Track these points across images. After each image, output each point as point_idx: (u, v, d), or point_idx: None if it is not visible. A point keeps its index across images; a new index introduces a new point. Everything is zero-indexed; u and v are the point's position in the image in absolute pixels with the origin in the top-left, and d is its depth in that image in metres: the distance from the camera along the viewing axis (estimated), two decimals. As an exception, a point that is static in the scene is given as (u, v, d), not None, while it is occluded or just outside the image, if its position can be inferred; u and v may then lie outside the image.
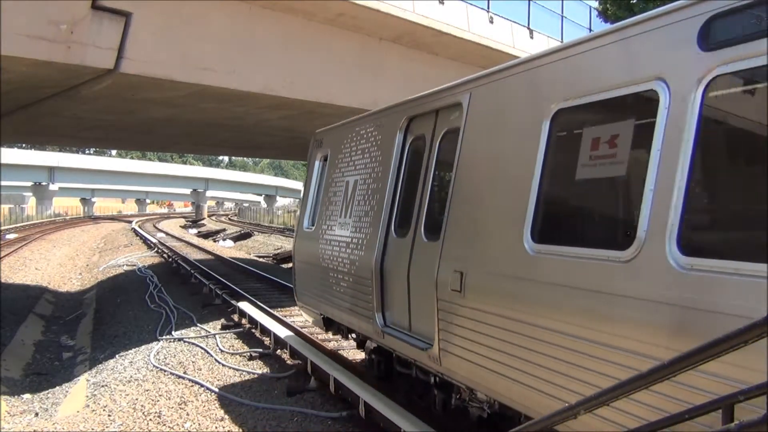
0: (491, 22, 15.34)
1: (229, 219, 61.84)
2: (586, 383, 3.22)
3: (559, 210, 4.01)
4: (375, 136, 6.45)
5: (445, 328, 4.61)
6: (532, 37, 16.84)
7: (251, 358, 8.82)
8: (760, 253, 2.49)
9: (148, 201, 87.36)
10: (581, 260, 3.42)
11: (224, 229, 43.09)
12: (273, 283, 15.51)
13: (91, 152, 77.72)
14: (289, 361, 8.37)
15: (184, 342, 9.95)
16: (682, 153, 2.89)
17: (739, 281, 2.56)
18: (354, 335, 7.23)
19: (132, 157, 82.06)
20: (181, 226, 49.84)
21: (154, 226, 44.75)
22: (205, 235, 39.35)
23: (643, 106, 3.22)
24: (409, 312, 5.38)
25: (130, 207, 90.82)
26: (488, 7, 15.32)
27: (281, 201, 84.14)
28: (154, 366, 8.58)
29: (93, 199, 76.59)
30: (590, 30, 19.05)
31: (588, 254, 3.39)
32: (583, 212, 3.90)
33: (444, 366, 4.69)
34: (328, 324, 7.49)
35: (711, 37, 2.87)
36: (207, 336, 10.27)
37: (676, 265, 2.83)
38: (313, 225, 7.89)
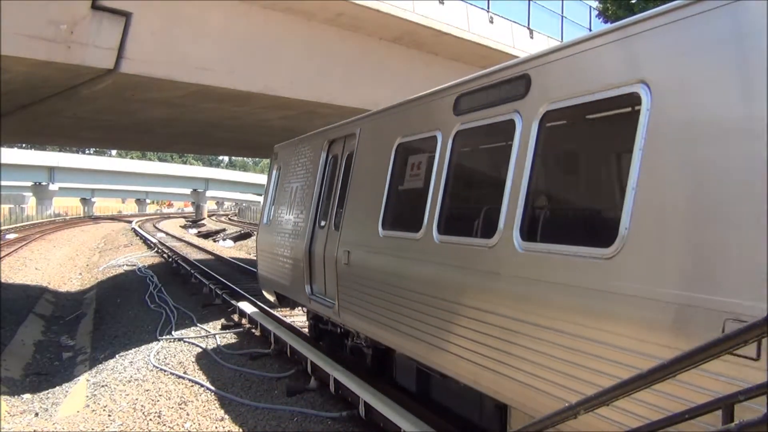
0: (491, 22, 15.33)
1: (229, 219, 61.87)
2: (411, 319, 5.14)
3: (396, 209, 5.95)
4: (309, 152, 8.58)
5: (341, 291, 6.63)
6: (532, 37, 16.84)
7: (251, 358, 8.83)
8: (572, 237, 3.65)
9: (148, 201, 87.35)
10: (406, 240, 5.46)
11: (224, 229, 43.11)
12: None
13: (91, 152, 77.75)
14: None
15: (184, 342, 9.95)
16: (436, 175, 5.15)
17: (559, 258, 3.59)
18: (301, 308, 9.67)
19: (132, 157, 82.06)
20: (181, 226, 49.85)
21: (154, 226, 44.76)
22: (205, 235, 39.37)
23: (433, 144, 5.22)
24: (325, 282, 7.23)
25: (130, 207, 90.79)
26: (488, 7, 15.32)
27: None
28: (154, 366, 8.58)
29: (93, 199, 76.58)
30: (590, 30, 19.06)
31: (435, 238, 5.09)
32: (418, 211, 5.28)
33: (341, 318, 6.76)
34: (281, 299, 9.62)
35: (456, 108, 4.98)
36: (207, 336, 10.27)
37: (519, 248, 3.92)
38: (269, 221, 10.00)
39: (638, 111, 3.19)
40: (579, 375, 3.31)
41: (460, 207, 5.20)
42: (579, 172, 4.76)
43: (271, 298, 10.04)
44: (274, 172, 10.27)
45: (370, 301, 5.87)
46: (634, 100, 3.24)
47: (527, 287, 3.77)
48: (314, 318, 8.59)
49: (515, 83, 4.24)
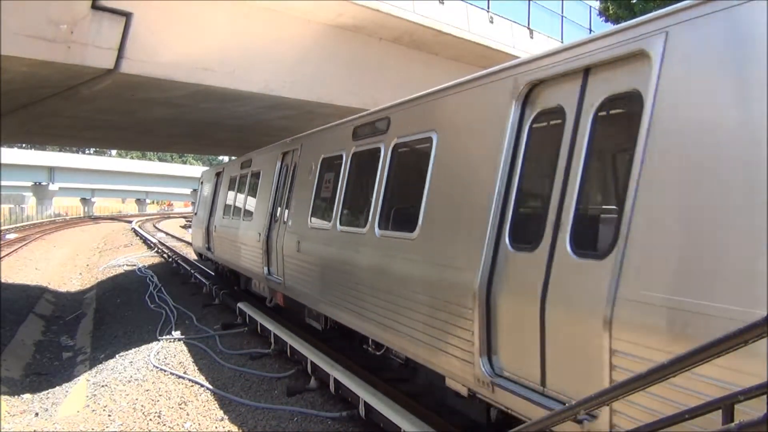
0: (491, 22, 15.33)
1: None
2: (318, 285, 7.36)
3: (319, 208, 7.77)
4: (267, 162, 10.66)
5: (286, 271, 8.60)
6: (532, 37, 16.84)
7: (251, 358, 8.82)
8: (408, 227, 5.28)
9: (148, 201, 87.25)
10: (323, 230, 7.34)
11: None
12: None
13: (91, 152, 77.68)
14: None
15: (184, 342, 9.95)
16: (343, 182, 6.97)
17: (400, 241, 5.47)
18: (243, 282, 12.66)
19: (132, 157, 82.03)
20: (181, 226, 49.82)
21: (154, 226, 44.73)
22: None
23: (340, 160, 7.08)
24: (276, 265, 9.15)
25: (130, 207, 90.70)
26: (488, 7, 15.31)
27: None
28: (154, 366, 8.58)
29: (93, 199, 76.53)
30: (591, 30, 19.07)
31: (333, 227, 6.95)
32: (327, 210, 7.41)
33: (287, 288, 8.65)
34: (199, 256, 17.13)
35: (354, 135, 6.77)
36: (207, 336, 10.27)
37: (379, 235, 5.81)
38: (224, 215, 13.49)
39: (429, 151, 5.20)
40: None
41: (351, 206, 6.97)
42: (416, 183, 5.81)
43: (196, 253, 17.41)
44: (223, 180, 14.21)
45: (309, 279, 7.71)
46: (429, 141, 5.29)
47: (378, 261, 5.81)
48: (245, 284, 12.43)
49: (383, 122, 6.23)
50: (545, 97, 3.98)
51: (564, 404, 3.20)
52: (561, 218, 3.61)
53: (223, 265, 13.99)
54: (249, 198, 11.49)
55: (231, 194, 13.11)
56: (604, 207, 3.79)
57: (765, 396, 1.77)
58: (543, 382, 3.60)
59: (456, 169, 4.82)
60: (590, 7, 20.24)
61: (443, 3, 13.66)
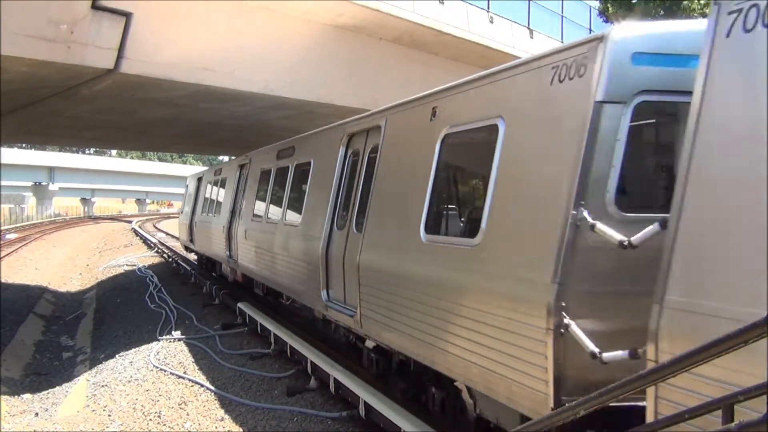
0: (491, 22, 15.32)
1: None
2: (260, 263, 9.94)
3: (257, 205, 10.54)
4: (231, 171, 13.10)
5: (239, 253, 11.08)
6: (532, 37, 16.83)
7: (251, 358, 8.82)
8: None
9: (148, 201, 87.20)
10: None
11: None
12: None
13: (91, 152, 77.66)
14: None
15: (184, 342, 9.95)
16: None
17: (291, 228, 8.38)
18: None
19: (132, 157, 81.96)
20: (181, 226, 49.74)
21: (154, 226, 44.72)
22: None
23: (269, 172, 9.96)
24: (234, 250, 11.65)
25: (130, 207, 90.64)
26: (488, 7, 15.30)
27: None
28: (154, 366, 8.58)
29: (93, 199, 76.49)
30: (590, 30, 19.07)
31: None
32: (261, 208, 10.33)
33: (239, 266, 11.43)
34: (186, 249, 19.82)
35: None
36: (207, 336, 10.27)
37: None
38: (202, 215, 16.03)
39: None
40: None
41: (272, 204, 9.59)
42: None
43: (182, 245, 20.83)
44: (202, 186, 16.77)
45: (260, 260, 10.00)
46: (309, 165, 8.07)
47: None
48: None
49: (291, 149, 9.12)
50: None
51: None
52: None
53: (202, 254, 16.77)
54: (219, 199, 13.96)
55: (207, 195, 15.74)
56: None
57: (765, 396, 1.77)
58: None
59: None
60: (590, 7, 20.26)
61: (443, 3, 13.66)
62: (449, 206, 5.44)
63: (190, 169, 79.67)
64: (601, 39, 3.43)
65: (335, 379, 6.57)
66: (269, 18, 11.87)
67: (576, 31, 18.57)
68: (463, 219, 5.30)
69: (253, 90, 12.22)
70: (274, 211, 9.55)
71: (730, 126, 2.52)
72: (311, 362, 7.32)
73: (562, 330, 3.23)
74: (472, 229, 4.59)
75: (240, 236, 10.95)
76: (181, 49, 10.92)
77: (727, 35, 2.51)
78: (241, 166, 12.15)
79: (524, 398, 3.53)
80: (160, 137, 21.41)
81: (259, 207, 10.42)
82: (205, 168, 23.22)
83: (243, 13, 11.52)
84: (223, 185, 13.76)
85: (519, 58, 4.56)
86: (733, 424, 1.83)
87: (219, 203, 13.86)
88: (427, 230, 4.87)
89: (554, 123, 3.70)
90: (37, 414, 7.63)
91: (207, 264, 16.49)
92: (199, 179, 17.66)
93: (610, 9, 18.58)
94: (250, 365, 8.49)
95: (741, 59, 2.50)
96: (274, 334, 8.88)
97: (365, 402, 5.84)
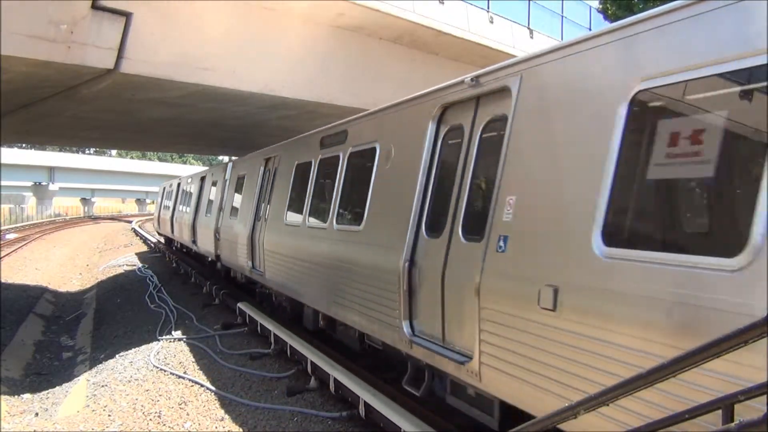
0: (491, 22, 15.33)
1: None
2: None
3: (208, 207, 15.15)
4: (194, 181, 15.91)
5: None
6: (532, 37, 16.84)
7: (251, 358, 8.82)
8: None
9: (148, 201, 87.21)
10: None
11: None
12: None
13: (91, 152, 77.64)
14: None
15: (184, 342, 9.95)
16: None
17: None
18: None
19: (132, 157, 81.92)
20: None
21: (155, 226, 44.70)
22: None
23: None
24: (197, 237, 16.11)
25: (130, 207, 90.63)
26: (488, 7, 15.31)
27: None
28: (154, 366, 8.58)
29: (93, 199, 76.49)
30: (590, 30, 19.04)
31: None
32: (215, 209, 13.50)
33: (198, 248, 16.23)
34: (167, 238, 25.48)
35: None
36: (207, 336, 10.27)
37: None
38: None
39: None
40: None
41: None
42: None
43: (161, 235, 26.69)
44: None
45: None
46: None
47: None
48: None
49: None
50: None
51: None
52: None
53: (178, 242, 21.45)
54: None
55: (184, 196, 19.11)
56: None
57: (765, 396, 1.77)
58: None
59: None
60: (590, 7, 20.25)
61: (443, 3, 13.66)
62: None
63: (191, 169, 79.84)
64: None
65: (335, 379, 6.57)
66: (269, 18, 11.87)
67: (576, 30, 18.57)
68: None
69: (253, 90, 12.23)
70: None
71: None
72: (311, 362, 7.31)
73: None
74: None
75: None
76: (181, 49, 10.92)
77: None
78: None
79: None
80: (160, 137, 21.41)
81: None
82: (205, 168, 23.60)
83: (243, 13, 11.52)
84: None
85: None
86: (733, 424, 1.82)
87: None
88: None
89: None
90: (37, 414, 7.63)
91: (181, 248, 20.81)
92: (179, 184, 19.38)
93: (609, 9, 18.58)
94: (250, 365, 8.49)
95: None
96: (274, 334, 8.88)
97: (365, 402, 5.84)
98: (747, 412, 1.83)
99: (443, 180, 4.94)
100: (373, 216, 5.93)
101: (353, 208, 6.67)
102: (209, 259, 15.11)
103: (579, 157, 3.50)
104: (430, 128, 5.09)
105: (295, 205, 8.55)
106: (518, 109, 4.05)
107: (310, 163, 8.14)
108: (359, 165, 6.66)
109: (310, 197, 7.96)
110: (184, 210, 19.41)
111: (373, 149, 6.14)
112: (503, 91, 4.29)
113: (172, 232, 21.84)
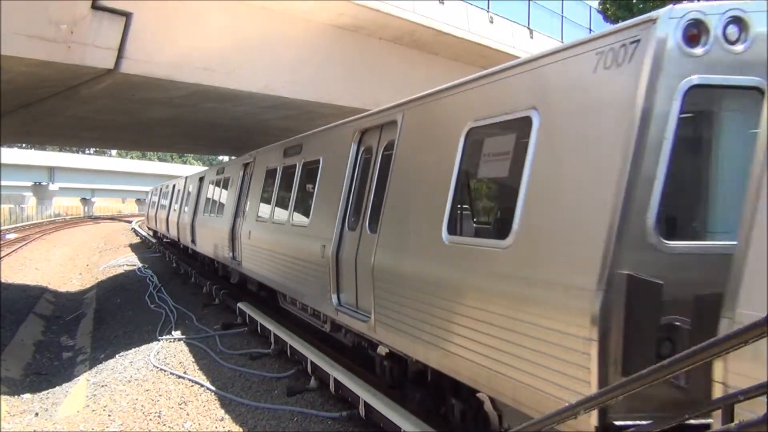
0: (491, 22, 15.33)
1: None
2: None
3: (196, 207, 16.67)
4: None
5: (179, 232, 18.58)
6: (532, 37, 16.84)
7: (251, 358, 8.82)
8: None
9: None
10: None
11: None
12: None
13: (91, 152, 77.62)
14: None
15: (184, 342, 9.95)
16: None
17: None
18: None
19: (132, 157, 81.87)
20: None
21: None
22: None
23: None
24: (179, 231, 18.98)
25: (130, 207, 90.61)
26: (488, 7, 15.31)
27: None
28: (154, 366, 8.58)
29: (93, 199, 76.48)
30: (590, 30, 19.06)
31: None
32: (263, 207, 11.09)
33: (179, 239, 19.22)
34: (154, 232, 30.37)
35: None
36: (207, 336, 10.27)
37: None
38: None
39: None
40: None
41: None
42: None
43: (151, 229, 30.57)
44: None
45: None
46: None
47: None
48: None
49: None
50: None
51: None
52: None
53: (166, 236, 23.65)
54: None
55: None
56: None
57: (765, 396, 1.77)
58: None
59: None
60: (590, 7, 20.26)
61: (443, 3, 13.66)
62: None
63: (191, 169, 79.84)
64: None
65: (335, 379, 6.57)
66: (269, 18, 11.87)
67: (576, 30, 18.58)
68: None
69: (253, 90, 12.23)
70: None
71: None
72: (311, 362, 7.32)
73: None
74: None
75: (182, 223, 13.36)
76: (181, 49, 10.93)
77: None
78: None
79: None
80: (160, 137, 21.42)
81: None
82: (205, 168, 23.86)
83: (243, 13, 11.52)
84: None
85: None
86: (733, 424, 1.83)
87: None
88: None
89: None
90: (37, 414, 7.63)
91: (169, 240, 23.54)
92: (167, 186, 21.73)
93: (609, 9, 18.58)
94: (250, 365, 8.49)
95: None
96: (274, 334, 8.88)
97: (365, 402, 5.84)
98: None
99: (360, 187, 6.50)
100: (317, 215, 7.49)
101: (304, 207, 8.23)
102: (183, 246, 19.43)
103: (437, 170, 4.83)
104: (353, 147, 6.67)
105: (265, 205, 10.15)
106: (401, 136, 5.59)
107: (276, 169, 9.70)
108: (309, 173, 8.22)
109: (275, 198, 9.64)
110: (182, 209, 20.31)
111: (318, 161, 7.74)
112: (394, 123, 5.80)
113: (168, 229, 24.15)
